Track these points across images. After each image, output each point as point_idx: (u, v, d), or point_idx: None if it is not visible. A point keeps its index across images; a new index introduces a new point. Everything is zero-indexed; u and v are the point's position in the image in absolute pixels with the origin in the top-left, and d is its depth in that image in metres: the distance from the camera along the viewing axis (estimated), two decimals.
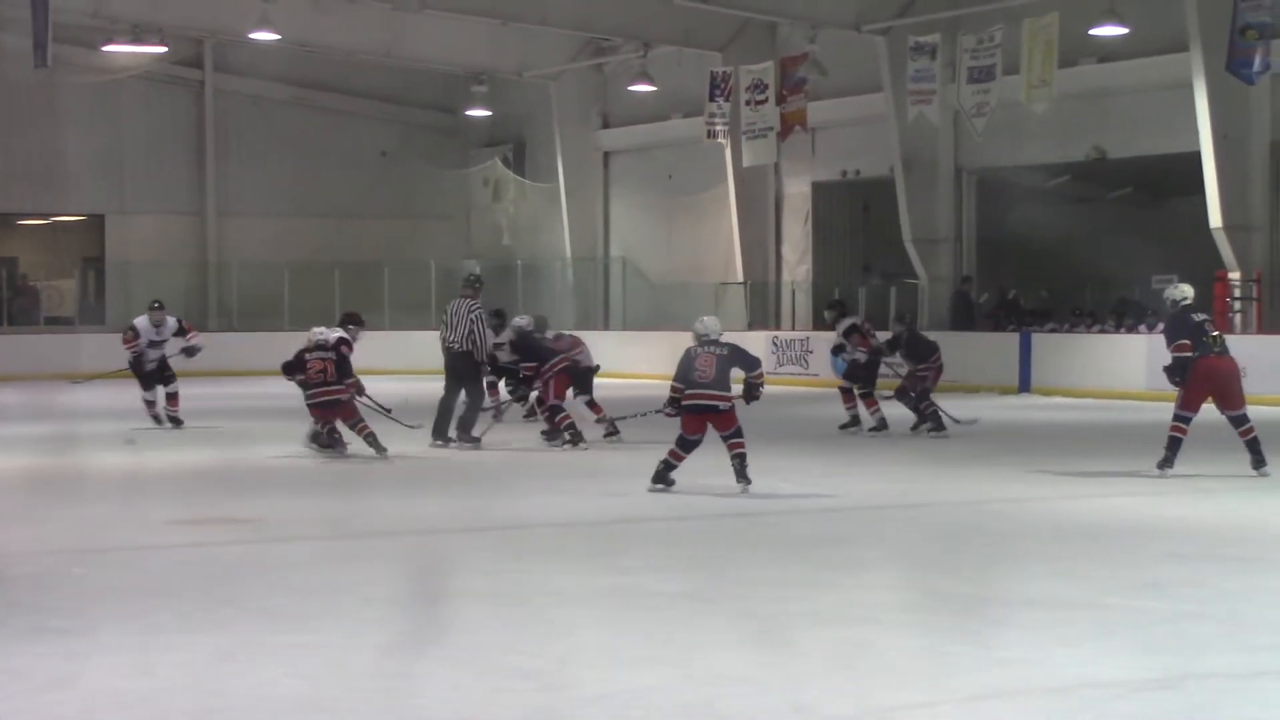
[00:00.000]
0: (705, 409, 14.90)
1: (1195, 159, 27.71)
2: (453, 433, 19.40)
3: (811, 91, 32.88)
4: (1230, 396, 15.72)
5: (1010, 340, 30.67)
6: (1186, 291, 16.00)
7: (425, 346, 38.56)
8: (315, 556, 12.03)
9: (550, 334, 21.49)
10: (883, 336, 21.63)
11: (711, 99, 34.58)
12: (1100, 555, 11.74)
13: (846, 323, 21.40)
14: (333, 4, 34.96)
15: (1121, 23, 28.56)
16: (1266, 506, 14.58)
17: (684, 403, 15.00)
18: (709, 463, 15.29)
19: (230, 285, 40.51)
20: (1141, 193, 35.31)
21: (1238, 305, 28.26)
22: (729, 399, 15.01)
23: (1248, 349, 26.51)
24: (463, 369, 19.41)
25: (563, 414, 19.60)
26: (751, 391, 15.32)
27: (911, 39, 30.94)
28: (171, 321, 22.23)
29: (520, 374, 20.10)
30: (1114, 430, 22.97)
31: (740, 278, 36.40)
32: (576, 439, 19.26)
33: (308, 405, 18.32)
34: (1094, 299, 32.73)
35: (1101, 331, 30.46)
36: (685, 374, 15.07)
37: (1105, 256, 31.56)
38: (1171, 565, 11.33)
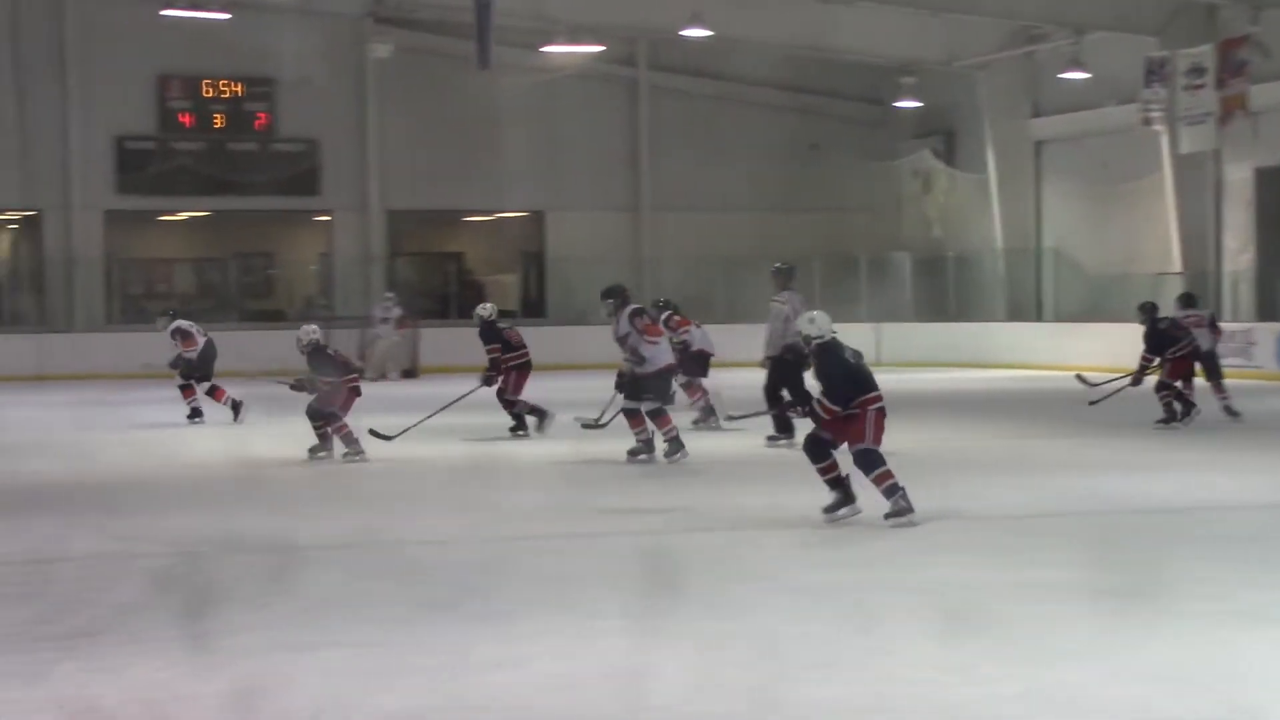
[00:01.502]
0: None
1: None
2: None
3: (1254, 74, 32.01)
4: None
5: None
6: None
7: (857, 338, 38.85)
8: (732, 544, 12.23)
9: (503, 325, 21.58)
10: None
11: (1147, 85, 33.90)
12: None
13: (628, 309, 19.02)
14: None
15: None
16: None
17: (877, 405, 12.94)
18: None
19: (664, 280, 41.09)
20: None
21: None
22: None
23: None
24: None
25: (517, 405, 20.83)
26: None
27: None
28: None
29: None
30: None
31: (1179, 268, 35.58)
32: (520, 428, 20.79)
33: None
34: None
35: None
36: (869, 380, 13.16)
37: None
38: None
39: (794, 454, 18.34)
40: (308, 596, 10.36)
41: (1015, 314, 39.46)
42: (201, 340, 23.71)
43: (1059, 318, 38.68)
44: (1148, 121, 34.24)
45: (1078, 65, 36.20)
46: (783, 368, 18.99)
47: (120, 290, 39.51)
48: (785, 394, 18.15)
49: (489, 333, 21.03)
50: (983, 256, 40.87)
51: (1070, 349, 34.22)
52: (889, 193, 43.24)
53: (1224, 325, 32.86)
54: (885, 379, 29.95)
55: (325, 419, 18.13)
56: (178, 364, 23.48)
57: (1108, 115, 37.09)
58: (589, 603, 9.99)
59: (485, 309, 21.56)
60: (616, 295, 18.59)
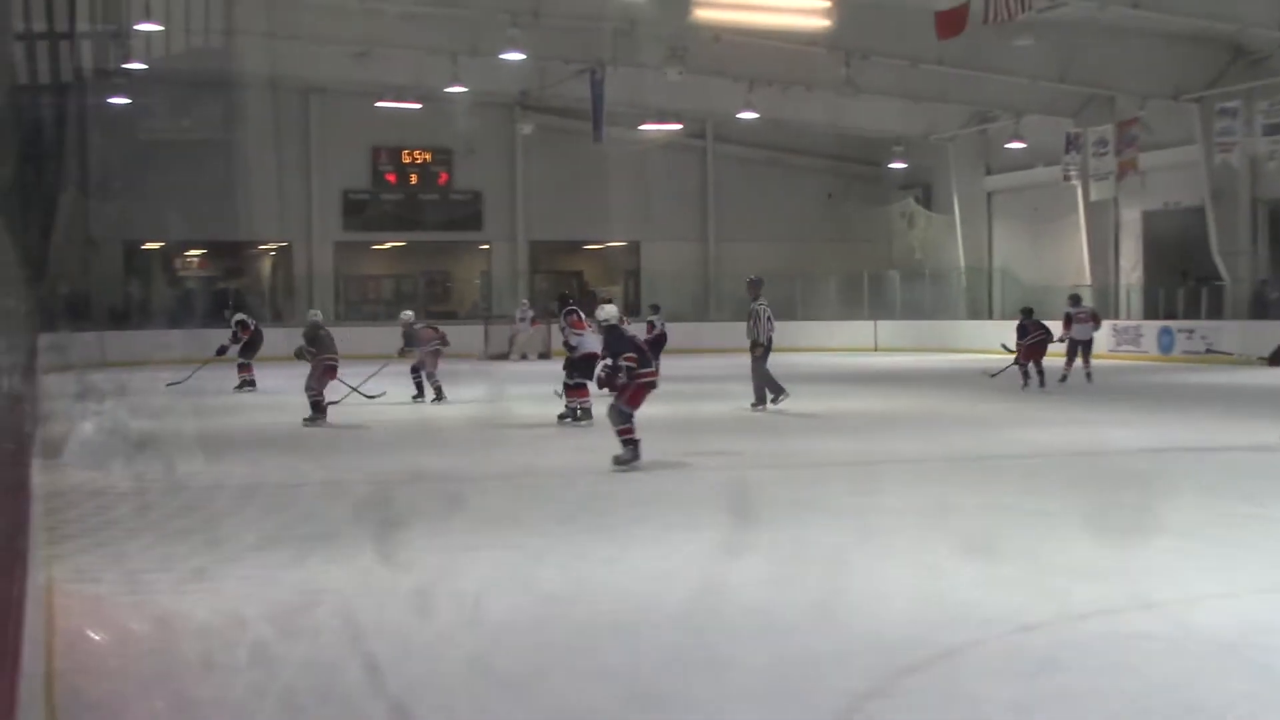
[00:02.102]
0: (654, 386, 12.60)
1: None
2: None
3: (1141, 144, 31.64)
4: None
5: None
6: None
7: (860, 332, 38.74)
8: (778, 480, 12.17)
9: (419, 324, 20.78)
10: None
11: (1066, 152, 33.60)
12: None
13: (564, 310, 17.89)
14: (796, 91, 35.06)
15: None
16: None
17: (645, 380, 12.40)
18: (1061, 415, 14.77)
19: (724, 290, 41.08)
20: None
21: None
22: None
23: None
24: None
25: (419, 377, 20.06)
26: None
27: (1218, 104, 29.59)
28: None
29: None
30: None
31: (1089, 281, 35.22)
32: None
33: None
34: None
35: None
36: (647, 359, 12.53)
37: None
38: None
39: (796, 412, 18.31)
40: (472, 513, 10.39)
41: (973, 314, 39.13)
42: (253, 331, 23.59)
43: (1004, 316, 38.17)
44: (1067, 178, 33.97)
45: (1018, 138, 35.97)
46: (765, 354, 18.35)
47: (345, 297, 39.81)
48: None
49: (409, 332, 20.46)
50: (950, 273, 40.54)
51: (1012, 339, 33.90)
52: (884, 228, 42.96)
53: (1120, 322, 32.78)
54: (880, 361, 29.84)
55: (312, 389, 17.32)
56: (240, 348, 23.34)
57: (1039, 174, 36.73)
58: (675, 517, 9.97)
59: (407, 315, 20.96)
60: (559, 300, 18.39)
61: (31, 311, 11.60)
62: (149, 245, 39.45)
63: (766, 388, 18.44)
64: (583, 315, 17.41)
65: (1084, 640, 6.42)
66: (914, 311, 39.72)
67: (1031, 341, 21.66)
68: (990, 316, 38.68)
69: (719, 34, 29.79)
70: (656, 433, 16.56)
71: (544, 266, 42.82)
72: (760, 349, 18.41)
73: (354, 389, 19.45)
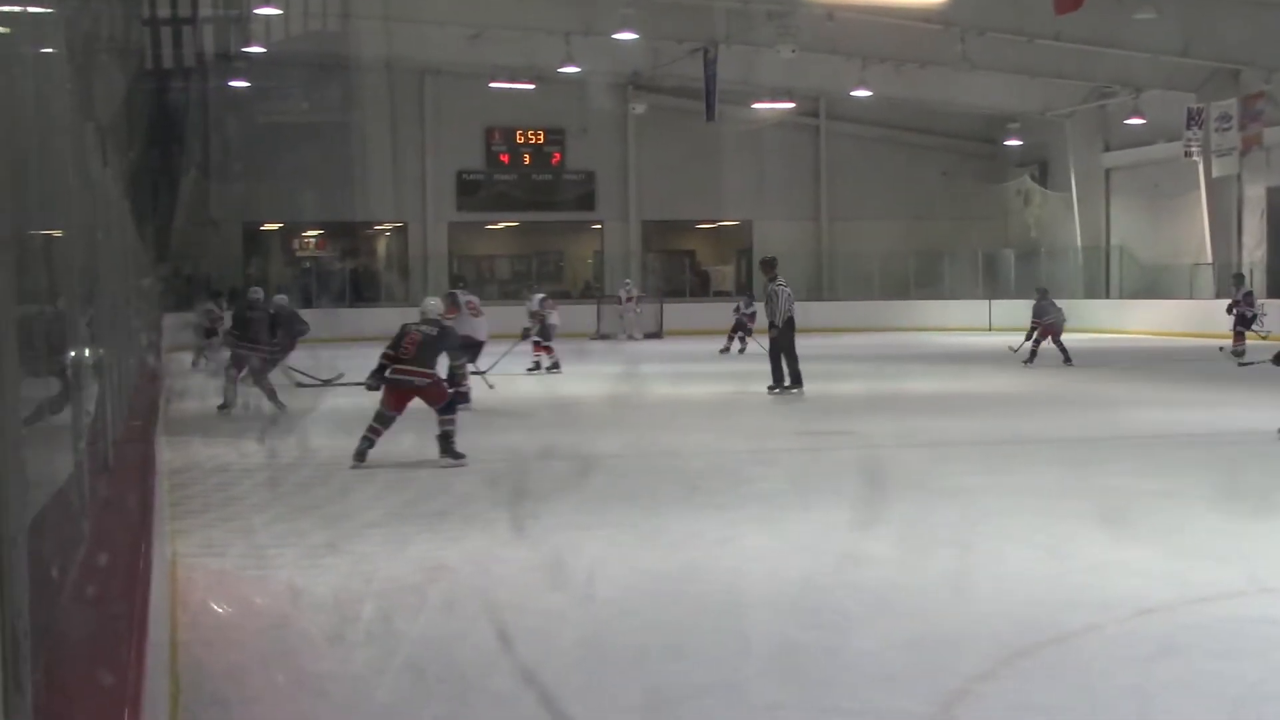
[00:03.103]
0: (404, 384, 11.78)
1: None
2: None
3: (1266, 118, 30.90)
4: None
5: None
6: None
7: (974, 311, 38.28)
8: (893, 460, 12.09)
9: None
10: None
11: (1188, 128, 32.89)
12: None
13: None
14: (909, 68, 34.72)
15: None
16: None
17: (387, 376, 11.84)
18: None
19: (837, 269, 40.85)
20: None
21: None
22: (429, 376, 11.85)
23: None
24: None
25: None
26: (450, 376, 12.25)
27: None
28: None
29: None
30: None
31: (1209, 259, 34.50)
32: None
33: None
34: None
35: None
36: (394, 347, 11.94)
37: None
38: None
39: (912, 393, 18.13)
40: (588, 491, 10.44)
41: (1090, 293, 38.48)
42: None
43: (1121, 296, 37.69)
44: (1188, 154, 33.26)
45: (1137, 114, 35.24)
46: (784, 334, 17.96)
47: (459, 277, 40.22)
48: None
49: (286, 315, 18.39)
50: (1066, 252, 39.93)
51: (1129, 318, 33.43)
52: (999, 206, 42.41)
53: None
54: (995, 340, 29.50)
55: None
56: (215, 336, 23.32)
57: (1159, 150, 36.02)
58: (789, 497, 9.95)
59: (281, 298, 19.12)
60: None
61: (164, 292, 11.83)
62: (268, 226, 40.11)
63: (773, 372, 17.98)
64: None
65: (1204, 624, 6.32)
66: (1029, 291, 39.11)
67: (1051, 321, 22.61)
68: (1107, 296, 38.06)
69: (832, 11, 29.58)
70: (770, 413, 16.63)
71: (656, 246, 42.86)
72: (775, 330, 18.00)
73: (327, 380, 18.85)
